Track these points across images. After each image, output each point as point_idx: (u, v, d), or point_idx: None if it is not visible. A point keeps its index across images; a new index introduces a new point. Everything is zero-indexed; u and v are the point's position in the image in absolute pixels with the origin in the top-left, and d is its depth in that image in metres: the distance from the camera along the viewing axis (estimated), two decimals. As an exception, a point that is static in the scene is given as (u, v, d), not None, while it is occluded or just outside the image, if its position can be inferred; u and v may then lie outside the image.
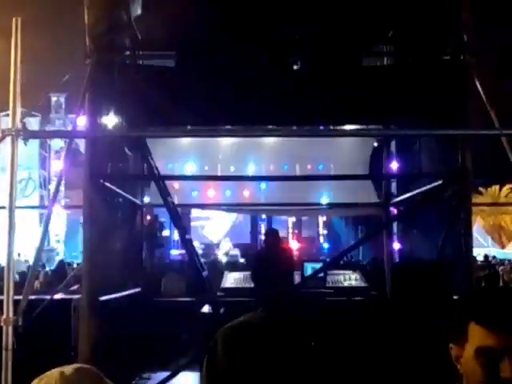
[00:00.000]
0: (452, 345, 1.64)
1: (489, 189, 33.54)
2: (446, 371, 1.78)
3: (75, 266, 15.58)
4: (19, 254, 20.47)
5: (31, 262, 19.33)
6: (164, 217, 17.38)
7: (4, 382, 4.22)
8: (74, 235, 27.98)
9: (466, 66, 6.34)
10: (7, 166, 4.48)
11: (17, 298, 4.53)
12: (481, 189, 30.88)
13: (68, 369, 1.62)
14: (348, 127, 7.62)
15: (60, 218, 27.83)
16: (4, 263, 4.46)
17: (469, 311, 1.60)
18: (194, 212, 25.55)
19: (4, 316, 4.27)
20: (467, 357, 1.57)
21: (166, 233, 20.78)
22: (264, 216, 24.76)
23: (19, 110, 4.52)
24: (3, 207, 4.60)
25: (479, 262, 17.54)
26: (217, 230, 28.52)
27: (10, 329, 4.24)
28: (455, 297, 6.05)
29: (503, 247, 32.34)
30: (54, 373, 1.60)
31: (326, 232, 27.20)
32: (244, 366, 1.76)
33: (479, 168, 6.54)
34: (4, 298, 4.33)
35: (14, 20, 4.59)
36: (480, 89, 6.07)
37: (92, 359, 5.45)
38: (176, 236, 21.01)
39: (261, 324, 1.94)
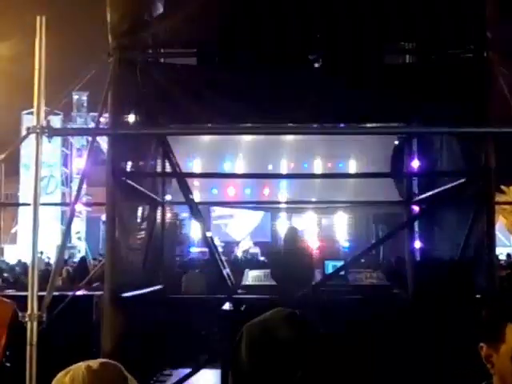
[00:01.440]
0: (483, 344, 1.63)
1: (511, 187, 33.15)
2: (471, 369, 1.77)
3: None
4: (42, 253, 20.70)
5: (52, 259, 19.54)
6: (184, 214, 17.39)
7: (28, 376, 4.27)
8: (94, 232, 28.21)
9: (489, 63, 6.28)
10: (31, 163, 4.53)
11: (40, 294, 4.58)
12: (503, 187, 30.53)
13: (94, 363, 1.64)
14: (369, 125, 7.59)
15: (81, 216, 28.05)
16: (27, 259, 4.51)
17: (507, 313, 1.58)
18: (218, 210, 25.59)
19: (28, 311, 4.32)
20: (503, 357, 1.56)
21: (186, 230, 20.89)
22: (284, 214, 24.76)
23: (43, 108, 4.56)
24: (28, 204, 4.65)
25: (502, 262, 17.35)
26: (241, 228, 28.55)
27: (35, 324, 4.29)
28: (477, 296, 6.02)
29: (526, 246, 31.91)
30: (81, 366, 1.62)
31: (346, 230, 27.08)
32: (269, 363, 1.76)
33: (504, 167, 6.47)
34: (28, 293, 4.38)
35: (38, 18, 4.63)
36: (504, 86, 6.00)
37: (114, 355, 5.49)
38: (196, 233, 21.05)
39: (286, 321, 1.94)
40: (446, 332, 5.56)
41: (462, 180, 6.55)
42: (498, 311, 1.61)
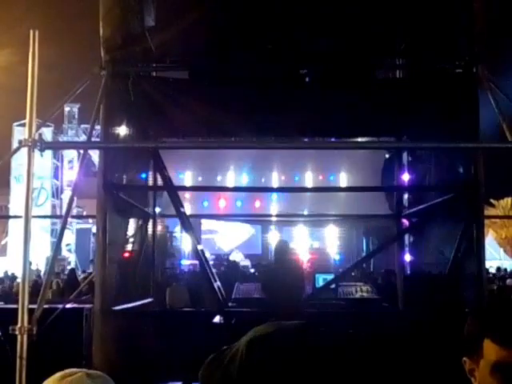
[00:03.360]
0: (465, 358, 1.65)
1: (501, 201, 33.40)
2: (458, 382, 1.79)
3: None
4: (30, 263, 20.52)
5: (42, 271, 19.40)
6: (174, 227, 17.33)
7: (18, 389, 4.24)
8: (84, 244, 28.06)
9: (478, 78, 6.34)
10: (21, 175, 4.53)
11: (30, 306, 4.55)
12: (493, 201, 30.73)
13: (91, 371, 1.64)
14: (360, 139, 7.64)
15: (71, 227, 27.95)
16: (16, 272, 4.48)
17: (484, 328, 1.60)
18: (208, 224, 25.58)
19: (19, 324, 4.30)
20: (483, 372, 1.57)
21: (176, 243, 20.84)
22: (275, 227, 24.78)
23: (35, 121, 4.56)
24: (19, 216, 4.64)
25: (491, 275, 17.44)
26: (231, 241, 28.52)
27: (25, 337, 4.26)
28: (467, 310, 6.04)
29: (516, 260, 32.07)
30: (78, 372, 1.61)
31: (337, 243, 27.12)
32: (269, 375, 1.78)
33: (491, 180, 6.52)
34: (19, 306, 4.36)
35: (31, 32, 4.64)
36: (492, 101, 6.06)
37: (104, 368, 5.47)
38: (187, 246, 21.01)
39: (286, 334, 1.96)
40: (435, 345, 5.57)
41: (452, 194, 6.59)
42: (477, 326, 1.62)
